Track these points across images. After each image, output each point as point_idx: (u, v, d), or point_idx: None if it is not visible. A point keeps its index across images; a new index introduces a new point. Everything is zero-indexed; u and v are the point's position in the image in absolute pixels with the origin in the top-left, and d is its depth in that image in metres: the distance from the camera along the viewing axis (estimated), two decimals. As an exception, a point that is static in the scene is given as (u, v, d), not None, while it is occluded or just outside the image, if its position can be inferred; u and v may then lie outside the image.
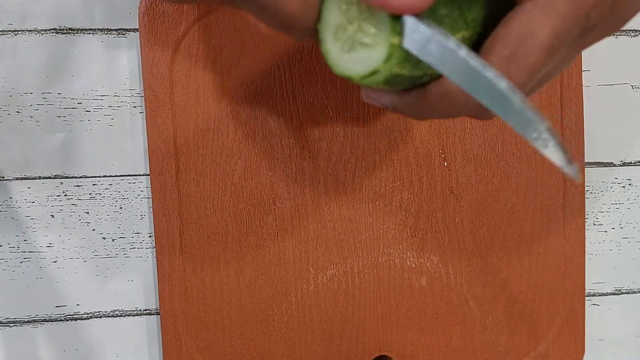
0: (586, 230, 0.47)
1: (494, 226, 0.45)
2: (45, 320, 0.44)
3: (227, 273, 0.43)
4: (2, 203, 0.42)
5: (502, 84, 0.24)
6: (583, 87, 0.45)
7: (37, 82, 0.42)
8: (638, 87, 0.47)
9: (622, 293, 0.49)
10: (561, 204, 0.45)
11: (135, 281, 0.44)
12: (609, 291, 0.49)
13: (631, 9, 0.27)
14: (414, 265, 0.44)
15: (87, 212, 0.43)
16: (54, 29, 0.42)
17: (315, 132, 0.43)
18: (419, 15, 0.24)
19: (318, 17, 0.27)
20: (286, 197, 0.43)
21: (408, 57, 0.26)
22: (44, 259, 0.43)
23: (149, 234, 0.44)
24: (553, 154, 0.24)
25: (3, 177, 0.42)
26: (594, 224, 0.48)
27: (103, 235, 0.44)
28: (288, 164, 0.43)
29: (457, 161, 0.44)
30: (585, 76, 0.45)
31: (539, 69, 0.26)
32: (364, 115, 0.43)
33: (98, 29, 0.42)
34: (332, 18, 0.26)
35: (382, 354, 0.45)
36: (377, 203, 0.44)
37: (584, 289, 0.46)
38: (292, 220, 0.43)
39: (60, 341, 0.44)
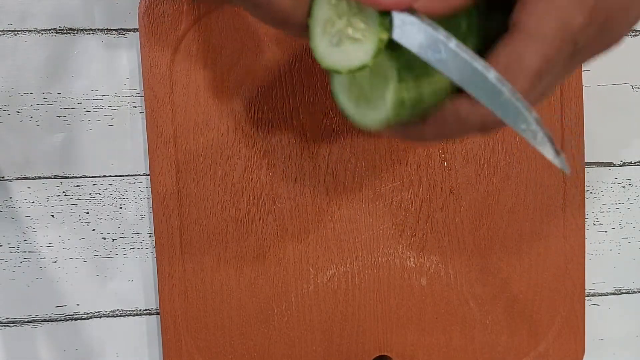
0: (586, 230, 0.47)
1: (494, 226, 0.45)
2: (45, 320, 0.44)
3: (227, 273, 0.43)
4: (2, 203, 0.42)
5: (492, 74, 0.24)
6: (583, 87, 0.45)
7: (37, 82, 0.42)
8: (638, 87, 0.47)
9: (622, 293, 0.49)
10: (561, 204, 0.45)
11: (135, 281, 0.44)
12: (609, 291, 0.49)
13: (620, 30, 0.28)
14: (414, 265, 0.44)
15: (87, 212, 0.43)
16: (54, 29, 0.42)
17: (315, 132, 0.43)
18: (407, 10, 0.24)
19: (309, 13, 0.27)
20: (286, 197, 0.43)
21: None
22: (44, 259, 0.43)
23: (149, 234, 0.44)
24: (542, 145, 0.24)
25: (3, 177, 0.42)
26: (594, 224, 0.48)
27: (103, 235, 0.44)
28: (288, 164, 0.43)
29: (457, 161, 0.44)
30: (585, 76, 0.45)
31: (528, 93, 0.26)
32: (364, 115, 0.43)
33: (98, 29, 0.42)
34: (322, 13, 0.27)
35: (382, 354, 0.45)
36: (377, 203, 0.44)
37: (584, 289, 0.46)
38: (292, 220, 0.43)
39: (60, 341, 0.44)
